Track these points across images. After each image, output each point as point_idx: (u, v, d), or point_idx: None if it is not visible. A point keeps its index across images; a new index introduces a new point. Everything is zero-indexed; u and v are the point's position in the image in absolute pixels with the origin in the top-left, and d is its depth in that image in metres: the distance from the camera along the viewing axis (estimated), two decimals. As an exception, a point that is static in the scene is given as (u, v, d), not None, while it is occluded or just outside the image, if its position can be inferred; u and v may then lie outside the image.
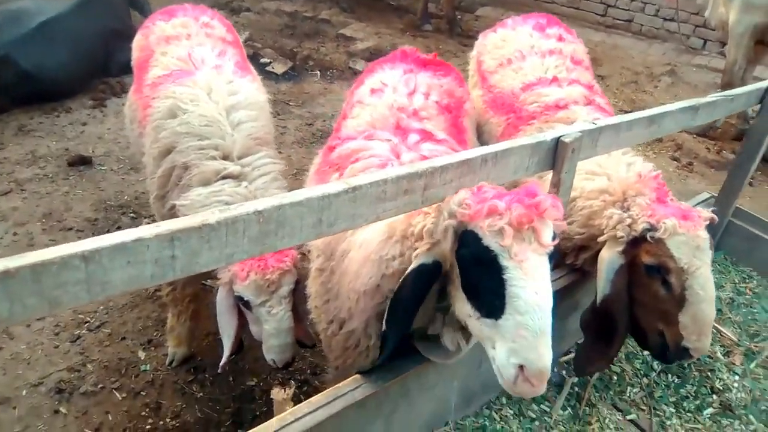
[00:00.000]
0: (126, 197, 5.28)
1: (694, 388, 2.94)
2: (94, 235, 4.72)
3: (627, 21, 10.68)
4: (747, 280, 3.65)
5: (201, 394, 3.52)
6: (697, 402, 2.87)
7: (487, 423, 2.59)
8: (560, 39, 3.58)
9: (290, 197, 1.56)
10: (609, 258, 2.50)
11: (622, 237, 2.48)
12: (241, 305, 2.90)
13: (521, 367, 1.66)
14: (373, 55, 8.85)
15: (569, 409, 2.79)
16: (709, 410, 2.83)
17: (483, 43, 3.88)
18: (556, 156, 2.27)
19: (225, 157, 3.01)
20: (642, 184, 2.60)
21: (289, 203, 1.54)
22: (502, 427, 2.60)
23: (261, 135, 3.18)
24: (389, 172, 1.77)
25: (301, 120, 7.01)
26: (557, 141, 2.24)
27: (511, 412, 2.71)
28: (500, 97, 3.33)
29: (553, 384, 2.91)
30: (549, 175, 2.62)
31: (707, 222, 2.44)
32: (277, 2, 11.01)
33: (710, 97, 3.03)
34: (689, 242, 2.37)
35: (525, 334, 1.65)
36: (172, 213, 3.14)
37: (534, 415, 2.72)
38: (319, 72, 8.31)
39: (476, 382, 2.60)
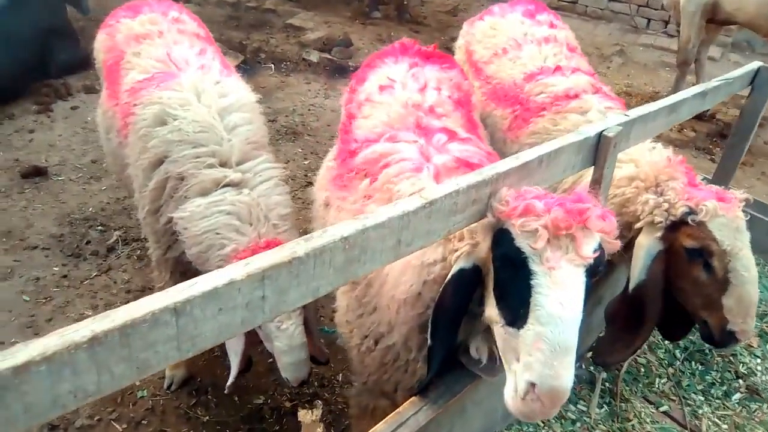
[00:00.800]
0: (91, 209, 4.94)
1: (719, 374, 2.95)
2: (62, 252, 4.43)
3: (572, 3, 10.79)
4: (746, 260, 3.70)
5: (207, 417, 3.30)
6: (724, 388, 2.88)
7: (531, 429, 2.51)
8: (552, 26, 3.51)
9: (372, 219, 1.41)
10: (647, 244, 2.44)
11: (660, 222, 2.43)
12: None
13: (533, 384, 1.52)
14: (326, 45, 8.64)
15: (605, 406, 2.75)
16: (737, 395, 2.84)
17: (471, 32, 3.77)
18: (598, 151, 2.19)
19: (223, 164, 2.80)
20: (672, 169, 2.56)
21: (372, 225, 1.40)
22: (547, 431, 2.52)
23: (258, 138, 2.99)
24: (460, 182, 1.64)
25: (263, 116, 6.73)
26: (600, 136, 2.16)
27: (551, 414, 2.64)
28: (501, 88, 3.23)
29: (584, 381, 2.87)
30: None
31: (743, 203, 2.42)
32: (218, -8, 10.61)
33: (713, 82, 3.04)
34: (730, 224, 2.33)
35: (542, 348, 1.52)
36: (168, 227, 2.92)
37: (573, 416, 2.66)
38: (273, 65, 8.03)
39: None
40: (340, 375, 3.53)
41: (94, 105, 6.54)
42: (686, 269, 2.42)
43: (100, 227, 4.76)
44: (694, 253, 2.38)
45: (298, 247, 1.27)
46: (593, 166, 2.23)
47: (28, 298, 4.03)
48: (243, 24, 9.35)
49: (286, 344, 2.61)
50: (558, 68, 3.08)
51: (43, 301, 4.04)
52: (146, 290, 4.15)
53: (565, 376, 1.51)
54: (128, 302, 3.71)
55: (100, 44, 3.78)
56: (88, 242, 4.59)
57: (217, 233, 2.66)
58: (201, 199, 2.73)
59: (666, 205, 2.44)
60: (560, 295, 1.56)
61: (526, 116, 2.99)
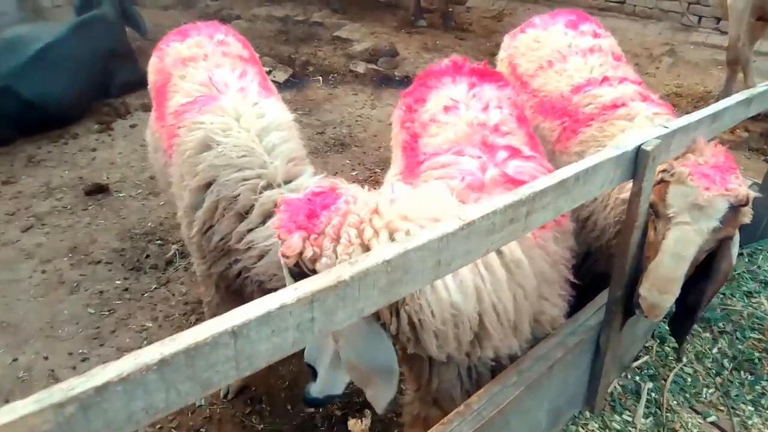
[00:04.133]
0: (150, 224, 5.19)
1: (769, 383, 2.92)
2: (124, 266, 4.66)
3: (620, 3, 10.64)
4: (790, 266, 3.62)
5: (261, 426, 3.45)
6: (775, 398, 2.84)
7: (576, 440, 2.55)
8: (595, 35, 3.53)
9: (413, 242, 1.49)
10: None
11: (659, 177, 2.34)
12: None
13: None
14: (373, 56, 8.77)
15: (651, 416, 2.75)
16: (789, 406, 2.80)
17: (513, 45, 3.81)
18: (636, 165, 2.21)
19: (270, 185, 2.92)
20: (709, 150, 2.42)
21: (413, 248, 1.48)
22: (592, 442, 2.56)
23: (297, 155, 3.09)
24: (496, 202, 1.70)
25: (312, 129, 6.91)
26: (638, 150, 2.18)
27: (597, 425, 2.67)
28: (549, 101, 3.27)
29: (629, 391, 2.88)
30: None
31: (730, 194, 2.24)
32: (267, 8, 10.89)
33: (759, 88, 2.99)
34: (689, 196, 2.23)
35: None
36: (218, 245, 3.02)
37: (619, 427, 2.67)
38: (320, 77, 8.21)
39: (563, 399, 2.55)
40: (389, 384, 3.61)
41: (151, 123, 6.88)
42: (648, 223, 2.38)
43: (158, 241, 4.99)
44: (651, 209, 2.34)
45: (344, 270, 1.37)
46: (632, 180, 2.26)
47: (93, 311, 4.27)
48: (292, 38, 9.58)
49: None
50: (605, 79, 3.11)
51: (107, 313, 4.27)
52: (202, 302, 4.34)
53: None
54: (185, 314, 3.88)
55: (152, 66, 3.99)
56: (147, 256, 4.83)
57: None
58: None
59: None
60: None
61: (575, 127, 3.03)
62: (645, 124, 2.84)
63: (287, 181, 2.96)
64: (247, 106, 3.08)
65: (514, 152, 2.46)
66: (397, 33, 9.88)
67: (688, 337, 3.15)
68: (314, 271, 1.90)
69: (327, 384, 2.59)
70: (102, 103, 7.03)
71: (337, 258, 1.90)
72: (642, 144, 2.18)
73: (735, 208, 2.27)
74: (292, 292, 1.29)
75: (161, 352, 1.12)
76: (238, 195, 2.89)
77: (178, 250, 4.87)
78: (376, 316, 2.06)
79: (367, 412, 2.86)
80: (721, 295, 3.43)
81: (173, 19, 10.25)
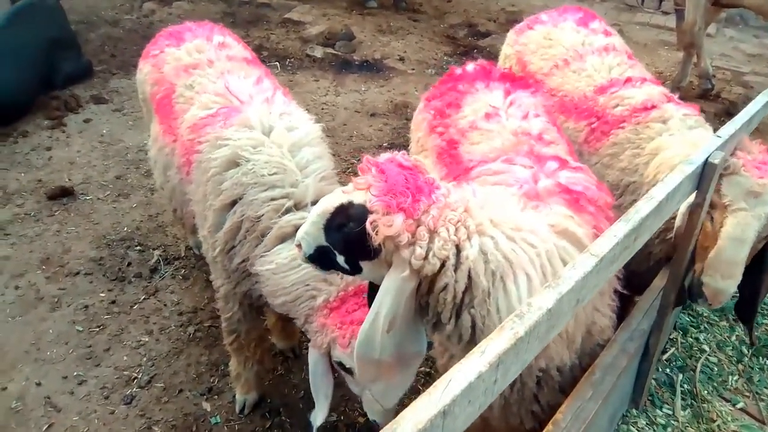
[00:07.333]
0: (125, 228, 4.89)
1: (787, 368, 3.08)
2: (106, 276, 4.41)
3: (563, -18, 10.80)
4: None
5: (285, 439, 3.36)
6: (794, 382, 3.00)
7: (631, 440, 2.61)
8: (607, 33, 3.55)
9: (564, 285, 1.45)
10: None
11: None
12: (338, 367, 2.67)
13: None
14: (329, 40, 8.56)
15: (688, 408, 2.85)
16: (808, 389, 2.96)
17: (521, 41, 3.76)
18: (702, 177, 2.25)
19: (297, 206, 2.76)
20: (755, 148, 2.56)
21: (566, 292, 1.44)
22: (643, 438, 2.63)
23: (328, 173, 2.92)
24: (616, 232, 1.68)
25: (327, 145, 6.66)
26: (705, 163, 2.22)
27: (644, 422, 2.74)
28: (570, 101, 3.27)
29: (664, 384, 2.96)
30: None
31: None
32: (208, -12, 10.40)
33: (776, 86, 3.11)
34: (744, 184, 2.36)
35: None
36: (241, 266, 2.87)
37: (663, 421, 2.75)
38: (278, 63, 7.93)
39: (618, 401, 2.61)
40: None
41: (106, 117, 6.48)
42: (706, 218, 2.46)
43: (138, 247, 4.72)
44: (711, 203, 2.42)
45: (517, 326, 1.31)
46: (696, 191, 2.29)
47: (81, 328, 4.01)
48: (239, 20, 9.20)
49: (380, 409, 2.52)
50: (628, 80, 3.15)
51: (97, 329, 4.02)
52: (198, 311, 4.16)
53: None
54: (182, 325, 3.78)
55: (146, 76, 3.69)
56: (129, 264, 4.56)
57: (307, 285, 2.65)
58: (285, 251, 2.69)
59: None
60: None
61: (605, 129, 3.06)
62: (678, 126, 2.91)
63: (315, 202, 2.82)
64: (275, 118, 2.89)
65: (563, 163, 2.44)
66: (349, 15, 9.66)
67: (706, 326, 3.31)
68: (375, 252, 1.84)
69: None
70: (48, 96, 6.51)
71: (430, 252, 1.82)
72: (708, 157, 2.21)
73: None
74: (480, 357, 1.23)
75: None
76: (262, 215, 2.74)
77: (161, 256, 4.63)
78: (422, 312, 1.99)
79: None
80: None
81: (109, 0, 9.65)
